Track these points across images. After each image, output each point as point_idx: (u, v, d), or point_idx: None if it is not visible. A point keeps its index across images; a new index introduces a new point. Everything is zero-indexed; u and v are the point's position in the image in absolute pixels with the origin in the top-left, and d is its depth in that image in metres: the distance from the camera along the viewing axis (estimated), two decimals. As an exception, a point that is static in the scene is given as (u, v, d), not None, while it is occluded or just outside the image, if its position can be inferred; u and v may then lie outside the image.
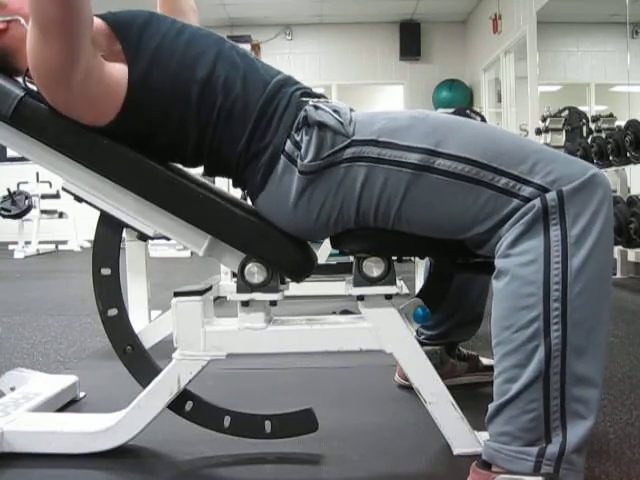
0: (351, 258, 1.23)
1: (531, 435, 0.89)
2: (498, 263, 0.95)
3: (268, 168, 1.08)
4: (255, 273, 1.14)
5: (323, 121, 1.04)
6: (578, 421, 0.89)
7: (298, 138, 1.06)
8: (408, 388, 1.15)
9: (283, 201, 1.09)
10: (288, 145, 1.07)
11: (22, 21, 1.12)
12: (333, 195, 1.05)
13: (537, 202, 0.91)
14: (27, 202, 6.50)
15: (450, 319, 1.54)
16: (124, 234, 1.30)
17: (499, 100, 7.59)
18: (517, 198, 0.94)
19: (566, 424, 0.89)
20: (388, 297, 1.15)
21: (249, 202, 1.19)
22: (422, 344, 1.36)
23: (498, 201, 0.95)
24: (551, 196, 0.91)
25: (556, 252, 0.89)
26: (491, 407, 0.94)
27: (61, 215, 7.15)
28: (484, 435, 1.18)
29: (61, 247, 7.29)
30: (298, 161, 1.05)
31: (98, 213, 1.29)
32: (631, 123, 3.51)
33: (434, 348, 1.56)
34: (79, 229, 7.12)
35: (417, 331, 1.55)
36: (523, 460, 0.89)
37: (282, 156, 1.07)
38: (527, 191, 0.93)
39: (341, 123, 1.04)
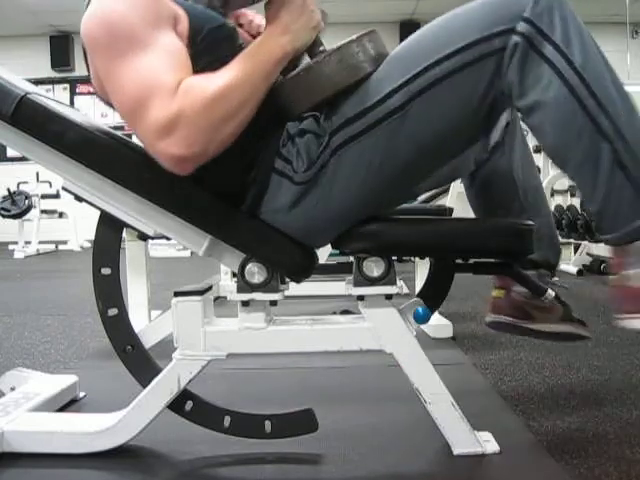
0: (351, 258, 1.23)
1: (637, 209, 0.96)
2: (521, 103, 0.99)
3: (259, 192, 1.10)
4: (255, 273, 1.14)
5: (302, 128, 1.05)
6: None
7: (286, 154, 1.07)
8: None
9: (283, 213, 1.10)
10: (278, 163, 1.08)
11: None
12: (337, 190, 1.05)
13: (514, 39, 0.95)
14: (27, 202, 6.51)
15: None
16: (124, 234, 1.30)
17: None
18: (499, 52, 0.97)
19: None
20: (388, 297, 1.15)
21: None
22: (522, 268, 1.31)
23: (489, 67, 0.97)
24: (521, 26, 0.95)
25: (559, 62, 0.94)
26: (591, 212, 1.01)
27: (61, 215, 7.15)
28: (484, 435, 1.18)
29: (61, 247, 7.29)
30: (292, 175, 1.06)
31: (98, 213, 1.29)
32: (631, 123, 3.51)
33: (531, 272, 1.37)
34: (79, 229, 7.13)
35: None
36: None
37: (273, 175, 1.08)
38: (502, 39, 0.96)
39: (317, 120, 1.05)
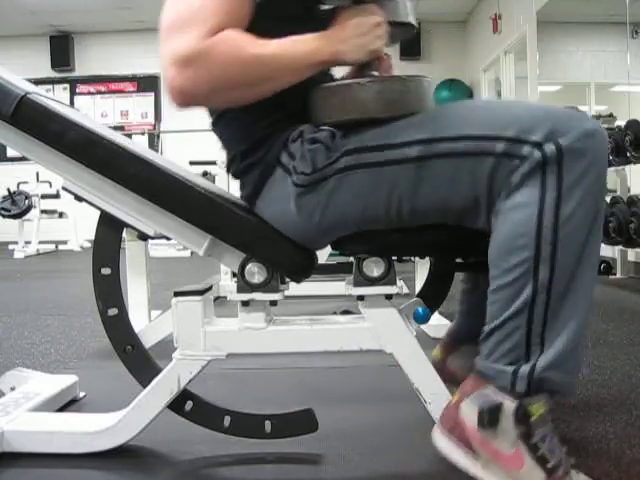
0: (351, 258, 1.23)
1: (513, 356, 0.98)
2: (497, 205, 0.99)
3: (262, 177, 1.11)
4: (255, 273, 1.14)
5: (315, 137, 1.05)
6: (554, 344, 0.97)
7: (293, 149, 1.08)
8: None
9: (281, 209, 1.10)
10: (284, 156, 1.09)
11: None
12: (333, 205, 1.06)
13: (536, 153, 0.95)
14: (27, 202, 6.51)
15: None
16: (124, 234, 1.30)
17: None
18: (516, 158, 0.96)
19: (544, 345, 0.97)
20: (388, 297, 1.15)
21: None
22: (460, 342, 1.33)
23: (500, 166, 0.97)
24: (549, 148, 0.94)
25: (550, 199, 0.94)
26: (484, 330, 1.02)
27: (61, 215, 7.15)
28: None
29: (61, 247, 7.29)
30: (293, 173, 1.07)
31: (98, 213, 1.29)
32: (631, 123, 3.51)
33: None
34: (79, 229, 7.13)
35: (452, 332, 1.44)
36: (503, 376, 0.98)
37: (278, 167, 1.10)
38: (525, 149, 0.95)
39: (333, 135, 1.05)
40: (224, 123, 1.17)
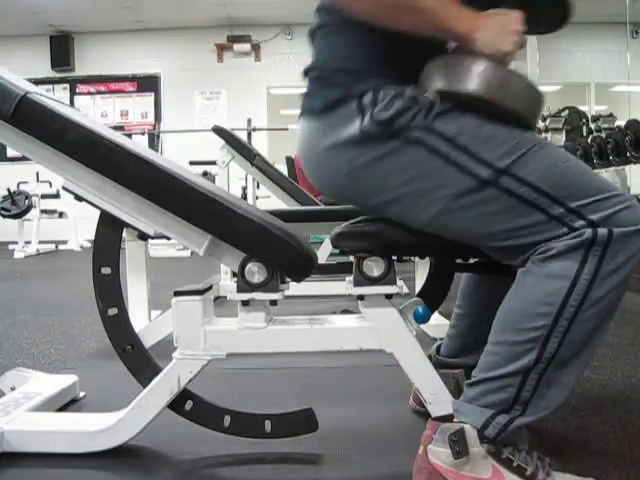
0: (351, 258, 1.23)
1: (496, 406, 1.00)
2: (532, 266, 1.00)
3: (337, 100, 1.08)
4: (255, 273, 1.14)
5: (417, 98, 1.02)
6: (537, 409, 1.00)
7: (381, 96, 1.03)
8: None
9: (332, 142, 1.08)
10: (368, 97, 1.04)
11: None
12: (377, 167, 1.04)
13: (587, 232, 0.96)
14: (27, 202, 6.51)
15: (476, 331, 1.35)
16: (124, 234, 1.30)
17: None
18: (566, 227, 0.98)
19: (527, 409, 1.00)
20: (388, 297, 1.15)
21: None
22: (439, 365, 1.34)
23: (546, 226, 0.98)
24: (602, 232, 0.96)
25: (584, 280, 0.96)
26: (474, 376, 1.04)
27: (61, 215, 7.14)
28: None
29: (61, 247, 7.28)
30: (365, 116, 1.04)
31: (98, 213, 1.29)
32: (631, 123, 3.51)
33: (452, 372, 1.38)
34: (79, 229, 7.12)
35: (437, 348, 1.46)
36: (478, 416, 1.00)
37: (355, 101, 1.05)
38: (579, 223, 0.97)
39: (431, 106, 1.02)
40: (346, 31, 1.09)
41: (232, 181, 3.71)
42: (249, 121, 6.42)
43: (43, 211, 6.96)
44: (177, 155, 6.08)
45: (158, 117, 9.00)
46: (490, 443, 0.98)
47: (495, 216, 1.01)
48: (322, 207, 3.87)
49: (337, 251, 1.24)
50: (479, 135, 1.01)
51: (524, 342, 0.98)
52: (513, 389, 0.98)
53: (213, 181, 4.10)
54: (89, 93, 9.08)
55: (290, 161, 5.63)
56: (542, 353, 0.97)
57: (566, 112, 4.62)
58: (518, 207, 0.99)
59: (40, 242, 6.83)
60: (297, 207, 3.36)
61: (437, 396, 1.14)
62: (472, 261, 1.26)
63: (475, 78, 0.99)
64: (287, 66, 8.89)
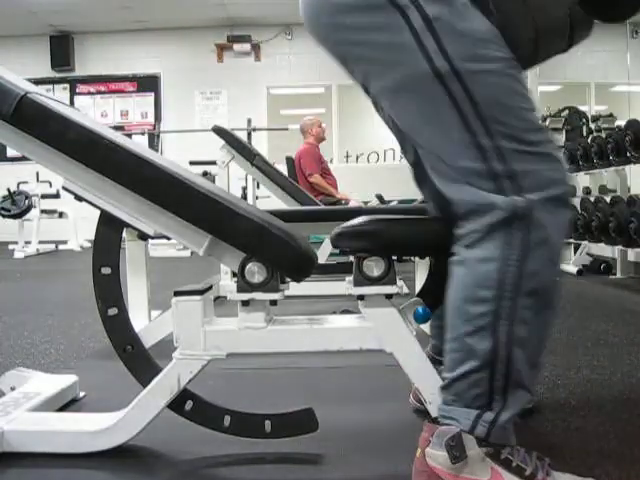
0: (351, 258, 1.23)
1: (475, 403, 0.99)
2: (460, 251, 1.01)
3: None
4: (255, 273, 1.14)
5: None
6: (517, 396, 0.99)
7: None
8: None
9: None
10: None
11: None
12: (363, 18, 0.99)
13: (506, 205, 0.95)
14: (27, 202, 6.51)
15: None
16: (124, 234, 1.30)
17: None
18: (487, 178, 0.96)
19: (507, 398, 0.98)
20: (388, 297, 1.15)
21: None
22: (436, 362, 1.34)
23: (469, 155, 0.97)
24: (521, 203, 0.95)
25: (514, 256, 0.95)
26: (444, 378, 1.03)
27: (61, 215, 7.14)
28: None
29: (61, 247, 7.29)
30: None
31: (98, 213, 1.29)
32: (631, 123, 3.51)
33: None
34: (79, 229, 7.12)
35: (432, 346, 1.44)
36: (465, 419, 0.99)
37: None
38: (498, 168, 0.95)
39: None
40: None
41: (232, 181, 3.71)
42: (249, 121, 6.42)
43: (43, 211, 6.96)
44: (177, 155, 6.08)
45: (158, 117, 9.00)
46: (488, 445, 0.98)
47: (430, 115, 0.99)
48: (322, 207, 3.88)
49: (337, 251, 1.24)
50: (456, 28, 0.96)
51: (475, 332, 0.97)
52: (485, 382, 0.97)
53: (213, 181, 4.10)
54: (89, 93, 9.08)
55: (290, 161, 5.64)
56: (496, 338, 0.95)
57: (566, 112, 4.62)
58: (451, 116, 0.97)
59: (40, 242, 6.83)
60: (297, 207, 3.36)
61: (437, 396, 1.14)
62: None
63: None
64: (287, 66, 8.90)
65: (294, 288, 1.26)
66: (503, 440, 0.98)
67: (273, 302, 1.17)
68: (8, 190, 6.48)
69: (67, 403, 1.51)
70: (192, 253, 5.77)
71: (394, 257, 1.18)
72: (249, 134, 6.25)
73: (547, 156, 0.97)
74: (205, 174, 5.20)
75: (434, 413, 1.12)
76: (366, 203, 5.29)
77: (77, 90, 9.07)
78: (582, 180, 4.59)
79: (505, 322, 0.95)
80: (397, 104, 1.04)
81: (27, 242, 6.73)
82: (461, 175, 0.99)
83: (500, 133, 0.96)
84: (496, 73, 0.97)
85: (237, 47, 8.75)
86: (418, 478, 1.02)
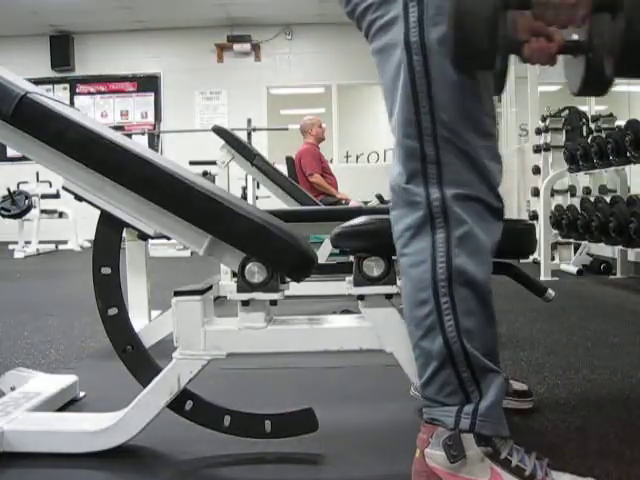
0: (351, 258, 1.23)
1: (453, 400, 0.99)
2: (398, 260, 1.04)
3: None
4: (255, 273, 1.14)
5: None
6: (489, 381, 0.99)
7: None
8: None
9: None
10: None
11: None
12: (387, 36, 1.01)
13: (423, 209, 0.98)
14: (27, 202, 6.50)
15: None
16: (124, 234, 1.30)
17: (499, 100, 7.59)
18: (419, 158, 0.98)
19: (480, 386, 0.99)
20: (388, 297, 1.15)
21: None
22: None
23: (413, 133, 0.98)
24: (436, 200, 0.97)
25: (441, 253, 0.98)
26: (418, 383, 1.04)
27: (61, 215, 7.14)
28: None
29: (61, 247, 7.29)
30: None
31: (98, 213, 1.29)
32: (631, 123, 3.51)
33: None
34: (79, 229, 7.12)
35: None
36: (447, 415, 0.99)
37: None
38: (429, 149, 0.97)
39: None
40: None
41: (232, 181, 3.71)
42: (249, 121, 6.42)
43: (43, 211, 6.96)
44: (177, 155, 6.07)
45: (158, 117, 9.00)
46: (487, 445, 0.98)
47: (393, 81, 1.00)
48: (322, 207, 3.88)
49: (337, 251, 1.24)
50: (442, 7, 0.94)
51: (425, 334, 0.99)
52: (452, 378, 0.98)
53: (213, 181, 4.09)
54: (89, 93, 9.08)
55: (290, 161, 5.64)
56: (445, 335, 0.97)
57: (566, 112, 4.61)
58: (405, 86, 0.98)
59: (40, 242, 6.83)
60: (297, 207, 3.36)
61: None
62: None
63: None
64: (287, 66, 8.90)
65: (294, 288, 1.26)
66: (491, 431, 0.98)
67: (273, 302, 1.17)
68: (8, 190, 6.48)
69: (67, 403, 1.51)
70: (192, 253, 5.77)
71: (394, 257, 1.18)
72: (249, 134, 6.25)
73: (476, 161, 0.98)
74: (205, 174, 5.20)
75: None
76: (366, 203, 5.29)
77: (77, 90, 9.07)
78: (582, 180, 4.58)
79: (448, 317, 0.97)
80: (379, 65, 1.05)
81: (27, 242, 6.73)
82: (397, 148, 1.02)
83: (442, 122, 0.97)
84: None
85: (237, 47, 8.76)
86: (418, 478, 1.02)
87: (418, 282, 0.99)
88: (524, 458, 0.99)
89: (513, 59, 1.02)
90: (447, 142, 0.97)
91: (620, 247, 3.70)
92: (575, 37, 1.00)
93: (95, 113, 8.91)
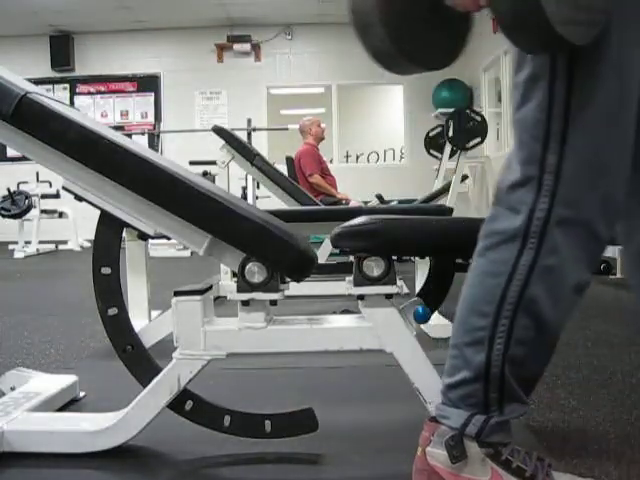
0: (351, 258, 1.23)
1: (470, 409, 0.98)
2: (475, 257, 0.99)
3: None
4: (255, 272, 1.14)
5: None
6: (512, 408, 0.98)
7: None
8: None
9: None
10: None
11: None
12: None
13: (523, 220, 0.92)
14: (27, 202, 6.50)
15: None
16: (124, 234, 1.30)
17: (499, 100, 7.59)
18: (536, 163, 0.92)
19: (503, 409, 0.97)
20: (388, 297, 1.15)
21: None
22: None
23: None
24: (538, 221, 0.92)
25: (520, 276, 0.93)
26: (443, 382, 1.03)
27: (61, 215, 7.14)
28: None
29: (61, 247, 7.29)
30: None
31: (98, 213, 1.29)
32: (631, 123, 3.50)
33: None
34: (79, 229, 7.12)
35: None
36: (457, 417, 0.98)
37: None
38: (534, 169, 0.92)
39: None
40: None
41: (232, 181, 3.71)
42: (249, 121, 6.42)
43: (43, 211, 6.96)
44: (177, 155, 6.08)
45: (158, 117, 9.00)
46: (489, 446, 0.98)
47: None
48: (322, 207, 3.88)
49: (337, 251, 1.24)
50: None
51: (472, 343, 0.96)
52: (480, 393, 0.97)
53: (213, 181, 4.09)
54: (89, 93, 9.08)
55: (290, 161, 5.64)
56: (490, 355, 0.95)
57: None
58: (543, 93, 0.91)
59: (40, 242, 6.83)
60: (297, 207, 3.36)
61: (437, 396, 1.14)
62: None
63: None
64: (287, 66, 8.90)
65: (294, 288, 1.26)
66: (496, 439, 0.98)
67: (273, 302, 1.17)
68: (8, 190, 6.48)
69: (67, 403, 1.51)
70: (192, 253, 5.77)
71: (394, 257, 1.18)
72: (249, 134, 6.25)
73: (597, 194, 0.91)
74: (205, 174, 5.20)
75: (434, 412, 1.12)
76: (366, 203, 5.30)
77: (77, 90, 9.07)
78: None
79: (500, 340, 0.94)
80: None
81: (27, 242, 6.73)
82: (517, 146, 0.95)
83: (572, 147, 0.90)
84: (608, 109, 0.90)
85: (237, 47, 8.75)
86: (419, 477, 1.02)
87: (486, 293, 0.96)
88: (525, 459, 0.99)
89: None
90: (573, 151, 0.90)
91: (620, 247, 3.69)
92: None
93: (95, 113, 8.91)
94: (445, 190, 4.75)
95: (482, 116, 4.83)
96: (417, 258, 2.26)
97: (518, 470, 0.97)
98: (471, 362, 0.97)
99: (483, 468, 0.98)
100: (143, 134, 7.92)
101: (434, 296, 1.34)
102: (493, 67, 7.68)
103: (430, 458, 1.00)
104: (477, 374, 0.96)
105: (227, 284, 3.01)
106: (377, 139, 9.83)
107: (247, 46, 8.76)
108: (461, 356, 0.98)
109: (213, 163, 4.02)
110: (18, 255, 6.40)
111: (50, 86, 8.76)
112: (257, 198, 5.73)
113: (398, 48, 0.93)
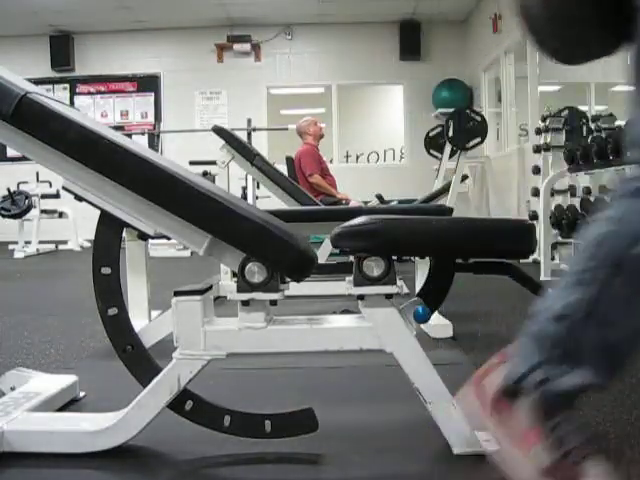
0: (351, 258, 1.23)
1: (545, 354, 0.95)
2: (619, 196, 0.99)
3: None
4: (255, 272, 1.14)
5: None
6: (582, 372, 0.98)
7: None
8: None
9: None
10: None
11: None
12: None
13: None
14: (27, 202, 6.51)
15: None
16: (124, 234, 1.30)
17: (499, 100, 7.59)
18: None
19: (573, 369, 0.97)
20: (388, 297, 1.15)
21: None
22: None
23: None
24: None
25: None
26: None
27: (61, 215, 7.14)
28: (484, 435, 1.18)
29: (61, 247, 7.29)
30: None
31: (98, 213, 1.29)
32: (631, 123, 3.50)
33: None
34: (79, 229, 7.12)
35: None
36: (525, 360, 0.96)
37: None
38: None
39: None
40: None
41: (232, 181, 3.71)
42: (249, 121, 6.42)
43: (43, 211, 6.96)
44: (177, 155, 6.08)
45: (158, 117, 9.00)
46: (545, 404, 0.94)
47: None
48: (322, 207, 3.88)
49: (337, 251, 1.24)
50: None
51: (580, 282, 0.94)
52: (562, 339, 0.95)
53: (213, 181, 4.09)
54: (89, 93, 9.08)
55: (290, 161, 5.63)
56: (589, 298, 0.92)
57: (566, 112, 4.61)
58: None
59: (40, 242, 6.83)
60: (297, 207, 3.36)
61: (437, 396, 1.14)
62: (472, 261, 1.26)
63: None
64: (287, 66, 8.90)
65: (294, 288, 1.26)
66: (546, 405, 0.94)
67: (273, 302, 1.17)
68: (8, 190, 6.48)
69: (67, 403, 1.51)
70: (192, 253, 5.77)
71: (394, 257, 1.18)
72: (249, 134, 6.25)
73: None
74: (205, 174, 5.20)
75: (434, 414, 1.12)
76: (366, 203, 5.29)
77: (77, 90, 9.07)
78: (582, 180, 4.58)
79: (604, 293, 0.91)
80: None
81: (27, 242, 6.73)
82: None
83: None
84: None
85: (237, 47, 8.75)
86: (473, 386, 1.04)
87: (631, 237, 0.92)
88: (572, 434, 0.93)
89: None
90: None
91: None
92: None
93: (95, 113, 8.91)
94: (445, 190, 4.75)
95: (482, 116, 4.83)
96: (417, 258, 2.26)
97: (557, 441, 0.94)
98: (571, 301, 0.95)
99: (529, 419, 0.96)
100: (143, 134, 7.93)
101: (434, 296, 1.34)
102: (493, 67, 7.68)
103: (490, 381, 1.01)
104: (575, 310, 0.94)
105: (227, 284, 3.01)
106: (377, 139, 9.83)
107: (247, 46, 8.76)
108: (574, 283, 0.97)
109: (213, 163, 4.02)
110: (18, 255, 6.40)
111: (50, 86, 8.76)
112: (257, 198, 5.73)
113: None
